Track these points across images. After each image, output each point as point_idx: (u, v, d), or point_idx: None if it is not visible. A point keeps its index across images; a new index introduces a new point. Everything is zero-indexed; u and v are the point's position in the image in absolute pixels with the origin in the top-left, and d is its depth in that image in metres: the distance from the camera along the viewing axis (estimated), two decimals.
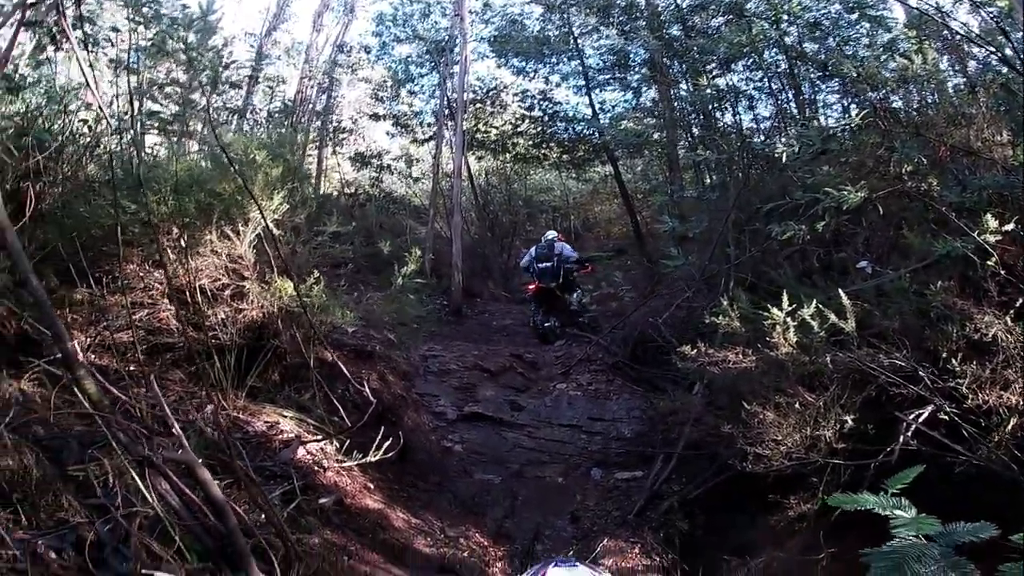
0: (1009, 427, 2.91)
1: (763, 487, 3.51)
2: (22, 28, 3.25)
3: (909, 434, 3.14)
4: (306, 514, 3.19)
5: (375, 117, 14.56)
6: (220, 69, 9.46)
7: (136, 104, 3.88)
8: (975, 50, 5.06)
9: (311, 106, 13.47)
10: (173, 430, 2.42)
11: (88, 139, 4.15)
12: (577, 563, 1.90)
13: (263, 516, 2.77)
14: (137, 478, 2.35)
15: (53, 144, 3.80)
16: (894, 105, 6.72)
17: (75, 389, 2.49)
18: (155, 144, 4.92)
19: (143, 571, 0.69)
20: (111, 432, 2.32)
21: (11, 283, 2.95)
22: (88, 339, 3.51)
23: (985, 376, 2.98)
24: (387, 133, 14.87)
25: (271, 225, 4.07)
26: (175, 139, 7.11)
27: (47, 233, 3.58)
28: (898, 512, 2.08)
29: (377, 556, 3.29)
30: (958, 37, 5.28)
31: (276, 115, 12.56)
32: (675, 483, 4.60)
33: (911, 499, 2.17)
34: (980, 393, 2.96)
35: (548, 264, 9.26)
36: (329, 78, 13.65)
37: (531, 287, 9.16)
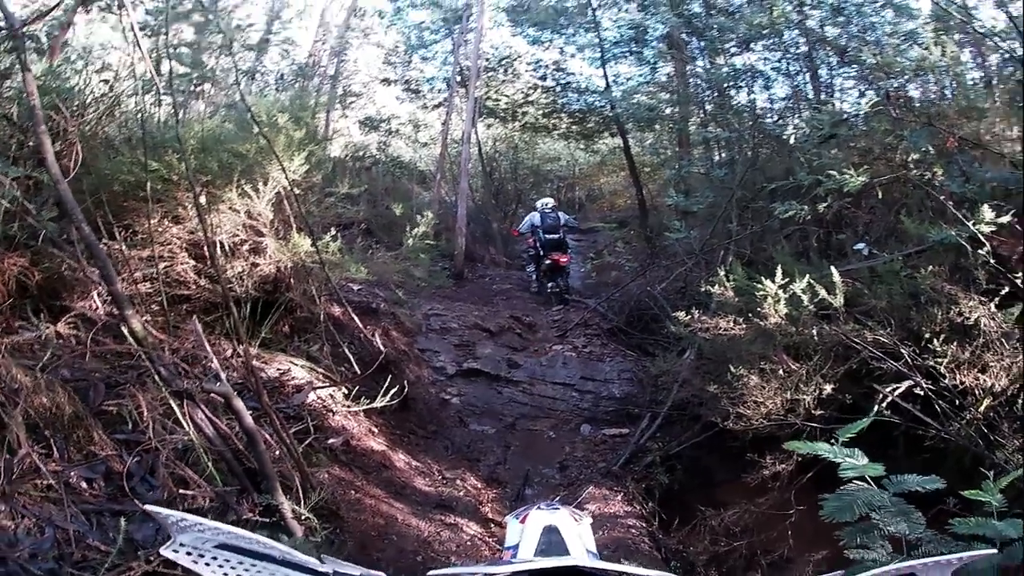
0: (983, 407, 3.13)
1: (741, 447, 3.77)
2: None
3: (884, 406, 3.35)
4: (317, 452, 3.46)
5: (385, 82, 14.60)
6: (239, 31, 9.51)
7: (170, 65, 3.97)
8: (1001, 44, 5.11)
9: (323, 69, 13.50)
10: (211, 365, 2.63)
11: (110, 99, 4.27)
12: (559, 506, 1.99)
13: (277, 452, 3.03)
14: (176, 409, 2.58)
15: (75, 103, 3.93)
16: (910, 94, 6.77)
17: (115, 330, 2.70)
18: (170, 104, 5.02)
19: (147, 507, 0.84)
20: (154, 367, 2.56)
21: (55, 232, 3.12)
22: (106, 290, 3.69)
23: (964, 358, 3.19)
24: (397, 98, 14.90)
25: (291, 185, 4.25)
26: (192, 100, 7.20)
27: (71, 188, 3.67)
28: (849, 460, 2.20)
29: (381, 491, 3.58)
30: (978, 32, 5.31)
31: (287, 78, 12.60)
32: (659, 440, 4.85)
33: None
34: (958, 373, 3.17)
35: (556, 236, 9.48)
36: (341, 41, 13.64)
37: (562, 260, 9.28)
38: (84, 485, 2.38)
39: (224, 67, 8.06)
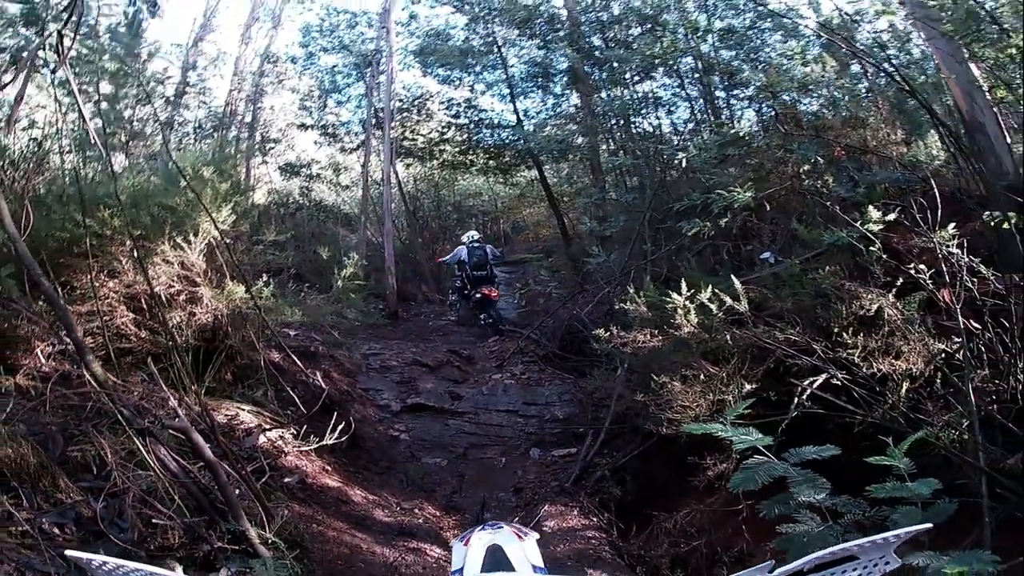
0: (903, 391, 3.37)
1: (682, 451, 3.96)
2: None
3: (805, 398, 3.61)
4: (274, 490, 3.49)
5: (303, 127, 14.53)
6: (157, 83, 9.39)
7: (103, 123, 3.99)
8: (873, 60, 5.64)
9: (240, 117, 13.39)
10: (165, 408, 2.66)
11: (39, 155, 4.24)
12: (502, 525, 2.04)
13: (237, 490, 3.02)
14: (140, 447, 2.65)
15: (4, 160, 3.91)
16: (799, 110, 7.33)
17: (64, 384, 2.71)
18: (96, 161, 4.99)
19: (69, 553, 0.85)
20: (116, 407, 2.61)
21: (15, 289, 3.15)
22: (49, 347, 3.60)
23: (874, 347, 3.46)
24: (315, 143, 14.83)
25: (222, 235, 4.34)
26: (114, 154, 7.04)
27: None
28: (741, 436, 2.33)
29: (342, 524, 3.63)
30: (853, 50, 5.86)
31: (205, 127, 12.45)
32: (605, 455, 5.05)
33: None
34: (872, 362, 3.43)
35: (484, 272, 9.75)
36: (256, 89, 13.60)
37: (493, 294, 9.62)
38: (56, 531, 2.41)
39: (141, 119, 7.93)
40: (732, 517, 3.75)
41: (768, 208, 5.41)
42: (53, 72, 2.73)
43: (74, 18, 3.04)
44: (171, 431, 2.84)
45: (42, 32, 4.15)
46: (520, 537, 1.96)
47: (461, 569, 1.83)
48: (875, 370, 3.42)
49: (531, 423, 6.10)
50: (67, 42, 2.61)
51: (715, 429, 2.40)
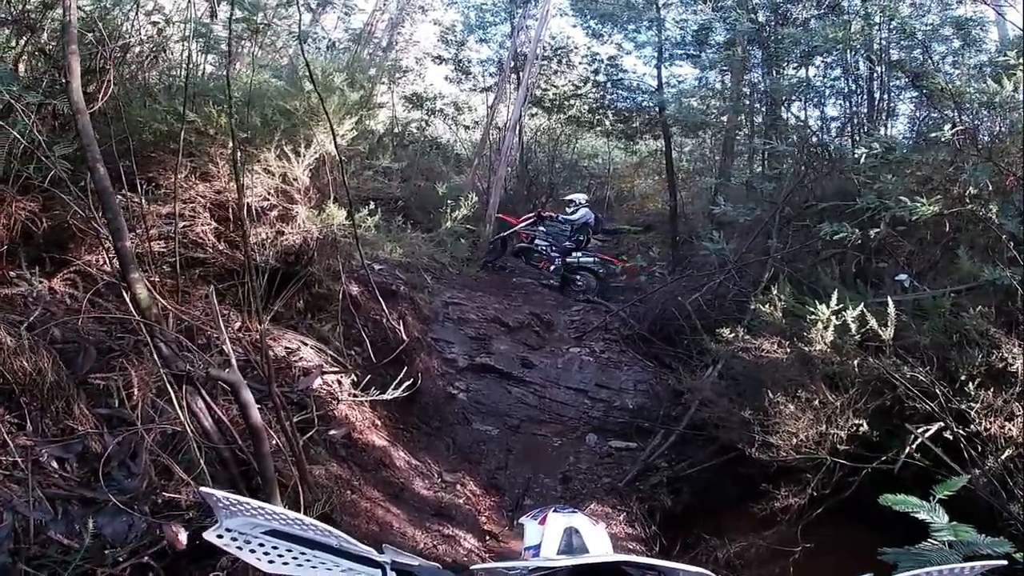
0: (1004, 456, 3.07)
1: (753, 475, 3.71)
2: None
3: (914, 447, 3.32)
4: (317, 444, 3.28)
5: (438, 60, 14.48)
6: None
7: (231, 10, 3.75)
8: None
9: (378, 40, 13.40)
10: (219, 342, 2.44)
11: (156, 43, 4.12)
12: (576, 511, 2.00)
13: (275, 442, 2.77)
14: (172, 395, 2.33)
15: (119, 43, 3.72)
16: (976, 126, 6.53)
17: (118, 291, 2.54)
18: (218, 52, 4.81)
19: (201, 489, 0.78)
20: (154, 343, 2.32)
21: (67, 173, 2.85)
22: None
23: (996, 405, 3.10)
24: (445, 78, 14.77)
25: (338, 152, 4.03)
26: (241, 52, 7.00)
27: (98, 132, 3.31)
28: (935, 518, 2.26)
29: (378, 493, 3.45)
30: None
31: (340, 44, 12.49)
32: (668, 460, 4.73)
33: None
34: (984, 420, 3.10)
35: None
36: (400, 14, 13.54)
37: (615, 261, 9.72)
38: (55, 465, 2.16)
39: (274, 26, 7.86)
40: (782, 558, 3.49)
41: (919, 226, 4.82)
42: None
43: None
44: (219, 382, 2.50)
45: None
46: (593, 525, 1.93)
47: (538, 547, 1.81)
48: (982, 428, 3.13)
49: (598, 407, 5.79)
50: None
51: (916, 507, 2.33)
